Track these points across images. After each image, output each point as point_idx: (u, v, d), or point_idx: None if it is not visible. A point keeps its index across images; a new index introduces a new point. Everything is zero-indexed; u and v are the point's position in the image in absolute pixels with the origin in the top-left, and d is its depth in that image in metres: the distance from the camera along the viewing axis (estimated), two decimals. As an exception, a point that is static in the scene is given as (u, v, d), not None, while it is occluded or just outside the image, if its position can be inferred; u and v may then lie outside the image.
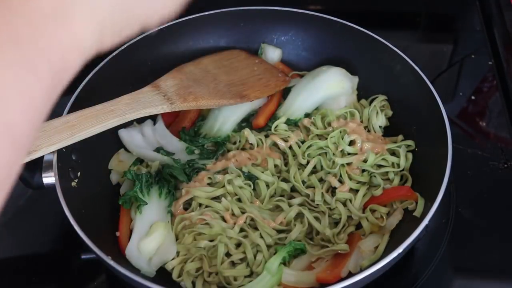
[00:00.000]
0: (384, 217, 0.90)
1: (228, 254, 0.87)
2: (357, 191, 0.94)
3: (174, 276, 0.87)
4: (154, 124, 1.05)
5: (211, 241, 0.88)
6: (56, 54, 0.36)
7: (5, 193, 0.35)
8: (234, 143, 1.03)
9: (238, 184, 0.94)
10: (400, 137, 1.01)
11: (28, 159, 0.80)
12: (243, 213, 0.91)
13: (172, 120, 1.08)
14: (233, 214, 0.91)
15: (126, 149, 1.02)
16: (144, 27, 0.43)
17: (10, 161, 0.35)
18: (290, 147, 1.00)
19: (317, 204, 0.93)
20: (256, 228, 0.90)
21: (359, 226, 0.91)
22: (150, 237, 0.86)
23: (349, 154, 0.97)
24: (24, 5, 0.34)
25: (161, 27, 1.09)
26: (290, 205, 0.93)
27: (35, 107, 0.35)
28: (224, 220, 0.91)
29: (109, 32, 0.40)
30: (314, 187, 0.95)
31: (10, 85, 0.33)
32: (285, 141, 1.00)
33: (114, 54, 1.03)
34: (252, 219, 0.90)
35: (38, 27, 0.35)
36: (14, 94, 0.33)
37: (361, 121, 1.03)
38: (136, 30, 0.43)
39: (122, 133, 1.02)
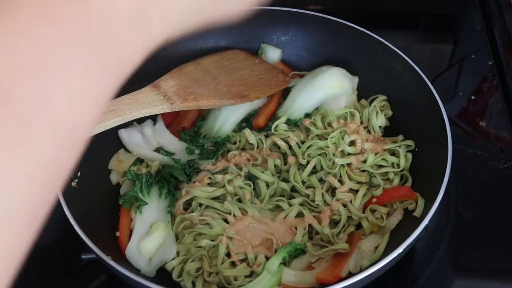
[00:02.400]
0: (384, 217, 0.90)
1: (228, 254, 0.87)
2: (357, 191, 0.94)
3: (174, 276, 0.87)
4: (154, 124, 1.05)
5: (211, 241, 0.88)
6: (124, 54, 0.33)
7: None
8: (234, 143, 1.03)
9: (238, 184, 0.94)
10: (400, 137, 1.01)
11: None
12: (243, 213, 0.91)
13: (172, 120, 1.08)
14: (233, 215, 0.91)
15: (126, 149, 1.02)
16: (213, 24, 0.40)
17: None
18: (290, 147, 1.00)
19: (317, 204, 0.93)
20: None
21: (359, 226, 0.91)
22: (150, 237, 0.86)
23: (349, 154, 0.97)
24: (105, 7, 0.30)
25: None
26: (290, 205, 0.93)
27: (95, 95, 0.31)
28: (224, 220, 0.91)
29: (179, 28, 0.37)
30: (314, 187, 0.95)
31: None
32: (285, 141, 1.00)
33: (114, 54, 1.03)
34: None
35: (113, 29, 0.31)
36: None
37: (361, 121, 1.03)
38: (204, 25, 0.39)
39: (122, 133, 1.02)
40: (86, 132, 0.32)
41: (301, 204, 0.93)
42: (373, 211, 0.92)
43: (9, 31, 0.28)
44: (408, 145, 0.98)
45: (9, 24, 0.28)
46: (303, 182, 0.96)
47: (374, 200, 0.92)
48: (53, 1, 0.29)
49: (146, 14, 0.32)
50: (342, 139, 0.98)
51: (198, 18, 0.38)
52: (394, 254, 0.76)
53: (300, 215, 0.92)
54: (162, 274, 0.87)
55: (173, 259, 0.88)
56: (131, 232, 0.90)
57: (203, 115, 1.08)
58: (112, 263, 0.77)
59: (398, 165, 0.96)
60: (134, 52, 0.33)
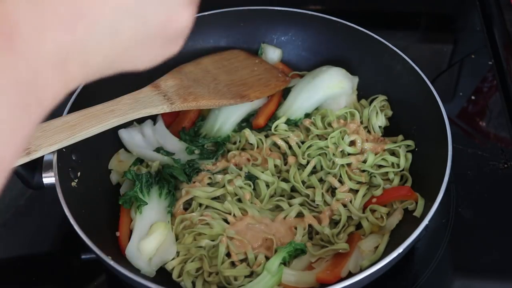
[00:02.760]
0: (384, 217, 0.90)
1: (228, 254, 0.87)
2: (357, 191, 0.94)
3: (174, 276, 0.87)
4: (154, 124, 1.05)
5: (211, 241, 0.88)
6: (46, 94, 0.38)
7: None
8: (234, 143, 1.03)
9: (238, 184, 0.94)
10: (400, 137, 1.01)
11: (28, 159, 0.80)
12: (243, 213, 0.91)
13: (172, 120, 1.08)
14: (233, 215, 0.91)
15: (126, 149, 1.02)
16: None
17: None
18: (290, 147, 1.00)
19: (317, 204, 0.93)
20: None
21: (359, 226, 0.91)
22: (150, 237, 0.86)
23: (349, 154, 0.97)
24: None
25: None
26: (290, 205, 0.93)
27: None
28: (224, 220, 0.91)
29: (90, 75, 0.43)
30: (314, 187, 0.95)
31: None
32: (285, 141, 1.00)
33: (114, 54, 1.03)
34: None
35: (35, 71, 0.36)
36: None
37: (361, 121, 1.03)
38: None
39: (122, 133, 1.02)
40: (10, 163, 0.36)
41: (301, 204, 0.93)
42: (373, 211, 0.92)
43: None
44: (408, 145, 0.98)
45: None
46: (303, 182, 0.96)
47: (374, 200, 0.92)
48: None
49: (66, 61, 0.37)
50: (342, 139, 0.98)
51: (111, 69, 0.44)
52: (394, 254, 0.76)
53: (300, 215, 0.92)
54: (162, 274, 0.87)
55: (173, 259, 0.88)
56: (131, 232, 0.90)
57: (203, 115, 1.08)
58: (112, 263, 0.77)
59: (398, 165, 0.96)
60: (55, 92, 0.38)
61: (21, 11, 0.35)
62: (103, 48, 0.40)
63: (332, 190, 0.95)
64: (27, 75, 0.35)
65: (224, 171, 0.97)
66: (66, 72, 0.38)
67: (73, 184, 0.89)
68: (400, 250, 0.76)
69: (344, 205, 0.92)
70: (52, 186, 0.85)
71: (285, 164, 0.99)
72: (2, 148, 0.35)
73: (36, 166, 0.87)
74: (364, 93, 1.09)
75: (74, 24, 0.37)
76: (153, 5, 0.42)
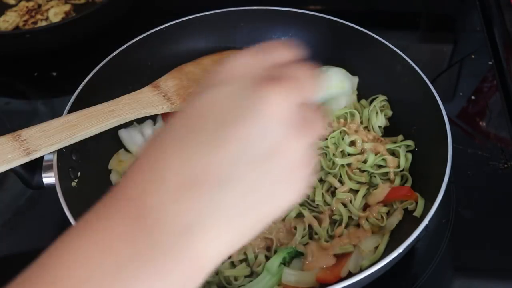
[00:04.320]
0: (384, 217, 0.90)
1: (228, 254, 0.87)
2: (357, 191, 0.94)
3: (174, 276, 0.86)
4: (154, 124, 1.05)
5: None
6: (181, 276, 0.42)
7: None
8: (234, 143, 1.02)
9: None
10: (400, 137, 1.01)
11: (28, 159, 0.80)
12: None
13: (172, 120, 1.07)
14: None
15: (126, 149, 1.02)
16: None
17: None
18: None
19: (317, 205, 0.93)
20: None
21: (359, 226, 0.91)
22: (150, 237, 0.86)
23: (349, 154, 0.97)
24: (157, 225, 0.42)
25: (162, 27, 1.09)
26: (290, 205, 0.93)
27: None
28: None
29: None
30: (314, 187, 0.95)
31: None
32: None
33: (114, 54, 1.03)
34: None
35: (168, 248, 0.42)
36: None
37: (361, 122, 1.03)
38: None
39: (122, 133, 1.02)
40: None
41: (301, 204, 0.93)
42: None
43: None
44: (408, 145, 0.98)
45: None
46: (303, 182, 0.96)
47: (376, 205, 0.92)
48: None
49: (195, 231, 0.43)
50: (342, 139, 0.98)
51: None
52: (394, 254, 0.76)
53: (300, 215, 0.92)
54: (162, 274, 0.87)
55: (173, 259, 0.88)
56: (131, 232, 0.90)
57: (203, 115, 1.08)
58: (112, 263, 0.77)
59: (398, 165, 0.96)
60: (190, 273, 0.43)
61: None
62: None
63: (332, 190, 0.95)
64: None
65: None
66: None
67: (73, 184, 0.89)
68: (400, 250, 0.76)
69: (344, 205, 0.92)
70: (52, 186, 0.85)
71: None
72: None
73: (36, 166, 0.87)
74: (364, 93, 1.09)
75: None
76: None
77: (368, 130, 1.03)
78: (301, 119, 0.47)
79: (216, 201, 0.43)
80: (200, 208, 0.42)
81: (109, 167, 1.00)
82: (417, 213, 0.87)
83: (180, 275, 0.41)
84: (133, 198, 0.44)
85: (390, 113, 1.05)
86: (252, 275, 0.86)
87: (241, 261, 0.87)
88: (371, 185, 0.95)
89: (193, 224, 0.42)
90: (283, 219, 0.91)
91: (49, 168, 0.86)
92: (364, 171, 0.95)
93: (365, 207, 0.93)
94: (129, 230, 0.42)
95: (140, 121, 1.04)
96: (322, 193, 0.93)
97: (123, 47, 1.04)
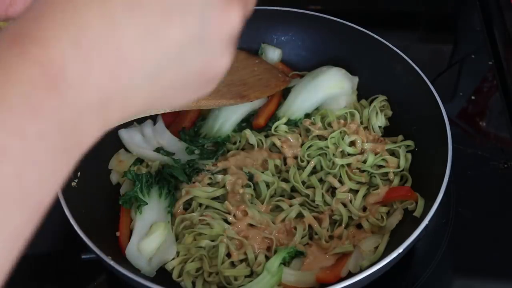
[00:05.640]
0: (384, 217, 0.90)
1: (228, 254, 0.87)
2: (357, 191, 0.94)
3: (174, 276, 0.87)
4: (154, 124, 1.05)
5: (212, 241, 0.88)
6: (84, 137, 0.39)
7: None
8: (234, 143, 1.03)
9: (238, 184, 0.94)
10: (400, 137, 1.01)
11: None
12: (243, 214, 0.91)
13: (172, 120, 1.08)
14: (233, 215, 0.91)
15: (126, 149, 1.02)
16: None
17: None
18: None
19: (317, 205, 0.93)
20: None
21: (359, 226, 0.91)
22: (150, 237, 0.86)
23: (349, 154, 0.97)
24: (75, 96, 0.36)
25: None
26: (290, 205, 0.93)
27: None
28: (224, 220, 0.91)
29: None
30: (314, 188, 0.95)
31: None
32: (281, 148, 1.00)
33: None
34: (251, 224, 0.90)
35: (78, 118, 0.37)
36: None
37: (361, 122, 1.03)
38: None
39: (122, 133, 1.02)
40: (46, 206, 0.37)
41: (301, 204, 0.93)
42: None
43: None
44: (408, 145, 0.98)
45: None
46: (303, 182, 0.96)
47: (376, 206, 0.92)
48: (36, 95, 0.34)
49: (107, 106, 0.38)
50: (342, 139, 0.98)
51: (148, 110, 0.46)
52: (394, 254, 0.76)
53: (300, 215, 0.92)
54: (162, 274, 0.87)
55: (173, 259, 0.88)
56: (131, 232, 0.90)
57: (203, 115, 1.08)
58: (112, 263, 0.77)
59: (398, 165, 0.96)
60: (92, 135, 0.39)
61: (67, 56, 0.35)
62: (143, 92, 0.41)
63: (332, 190, 0.95)
64: (69, 120, 0.36)
65: (224, 171, 0.97)
66: (106, 116, 0.39)
67: (73, 184, 0.89)
68: (400, 250, 0.76)
69: (344, 205, 0.92)
70: (52, 186, 0.85)
71: (285, 164, 0.99)
72: (40, 191, 0.35)
73: (36, 166, 0.87)
74: (364, 93, 1.09)
75: (118, 70, 0.37)
76: (194, 51, 0.42)
77: (368, 130, 1.03)
78: None
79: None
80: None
81: (109, 167, 1.00)
82: (417, 213, 0.87)
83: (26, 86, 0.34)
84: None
85: (390, 113, 1.05)
86: (252, 275, 0.86)
87: (241, 261, 0.87)
88: (371, 185, 0.95)
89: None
90: (283, 219, 0.91)
91: (49, 168, 0.86)
92: (364, 171, 0.95)
93: (365, 207, 0.93)
94: None
95: (140, 121, 1.04)
96: (322, 193, 0.93)
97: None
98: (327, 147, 0.97)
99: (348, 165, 0.96)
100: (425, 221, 0.79)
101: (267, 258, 0.86)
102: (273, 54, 1.15)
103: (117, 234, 0.91)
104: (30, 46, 0.34)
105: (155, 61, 0.39)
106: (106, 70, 0.37)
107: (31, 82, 0.34)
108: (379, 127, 1.03)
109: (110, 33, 0.36)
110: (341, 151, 0.97)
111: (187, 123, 1.07)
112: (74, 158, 0.39)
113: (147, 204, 0.91)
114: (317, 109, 1.06)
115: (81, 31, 0.36)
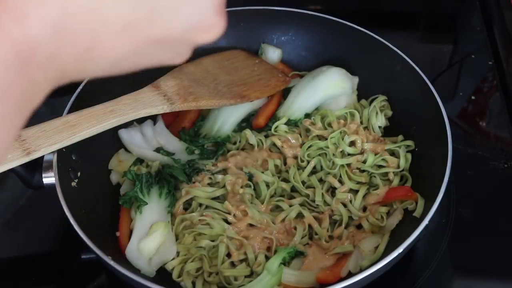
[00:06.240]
0: (384, 217, 0.90)
1: (228, 254, 0.87)
2: (357, 191, 0.94)
3: (174, 276, 0.87)
4: (154, 124, 1.05)
5: (212, 241, 0.88)
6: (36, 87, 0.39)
7: None
8: (234, 143, 1.03)
9: (238, 184, 0.94)
10: (400, 137, 1.01)
11: (28, 159, 0.80)
12: (243, 214, 0.91)
13: (172, 120, 1.08)
14: (233, 215, 0.91)
15: (126, 149, 1.02)
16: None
17: None
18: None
19: (317, 205, 0.93)
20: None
21: (359, 226, 0.91)
22: (150, 237, 0.86)
23: (349, 154, 0.97)
24: None
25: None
26: (290, 205, 0.93)
27: None
28: (224, 220, 0.91)
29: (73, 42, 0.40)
30: (314, 187, 0.95)
31: None
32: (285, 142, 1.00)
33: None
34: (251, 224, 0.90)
35: None
36: None
37: (361, 122, 1.03)
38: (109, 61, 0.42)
39: (122, 133, 1.02)
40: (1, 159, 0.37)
41: (301, 204, 0.93)
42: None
43: None
44: (408, 145, 0.98)
45: None
46: (303, 182, 0.96)
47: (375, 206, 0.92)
48: None
49: (61, 41, 0.37)
50: (342, 139, 0.98)
51: (124, 66, 0.43)
52: (394, 254, 0.76)
53: (300, 215, 0.92)
54: (162, 274, 0.87)
55: (173, 259, 0.88)
56: (131, 232, 0.90)
57: (203, 115, 1.08)
58: (112, 263, 0.77)
59: (398, 165, 0.96)
60: (49, 75, 0.39)
61: None
62: (119, 44, 0.40)
63: (332, 190, 0.95)
64: (26, 49, 0.36)
65: (224, 171, 0.97)
66: (63, 56, 0.38)
67: (73, 184, 0.89)
68: (400, 250, 0.76)
69: (344, 205, 0.92)
70: (52, 186, 0.85)
71: (285, 164, 0.99)
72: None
73: (36, 166, 0.87)
74: (364, 93, 1.09)
75: (67, 2, 0.37)
76: (188, 6, 0.41)
77: (368, 130, 1.03)
78: None
79: None
80: None
81: (109, 167, 1.00)
82: (417, 213, 0.87)
83: None
84: None
85: (390, 113, 1.05)
86: (252, 275, 0.86)
87: (241, 261, 0.87)
88: (371, 185, 0.95)
89: None
90: (283, 219, 0.91)
91: (49, 168, 0.86)
92: (364, 171, 0.95)
93: (365, 207, 0.93)
94: None
95: (140, 121, 1.04)
96: (322, 193, 0.93)
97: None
98: (327, 147, 0.97)
99: (348, 165, 0.96)
100: (425, 221, 0.79)
101: (267, 258, 0.86)
102: (273, 54, 1.15)
103: (117, 234, 0.91)
104: None
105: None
106: (56, 2, 0.37)
107: None
108: (379, 127, 1.03)
109: None
110: (341, 151, 0.97)
111: (187, 123, 1.07)
112: (30, 100, 0.39)
113: (147, 204, 0.91)
114: (317, 109, 1.06)
115: None
